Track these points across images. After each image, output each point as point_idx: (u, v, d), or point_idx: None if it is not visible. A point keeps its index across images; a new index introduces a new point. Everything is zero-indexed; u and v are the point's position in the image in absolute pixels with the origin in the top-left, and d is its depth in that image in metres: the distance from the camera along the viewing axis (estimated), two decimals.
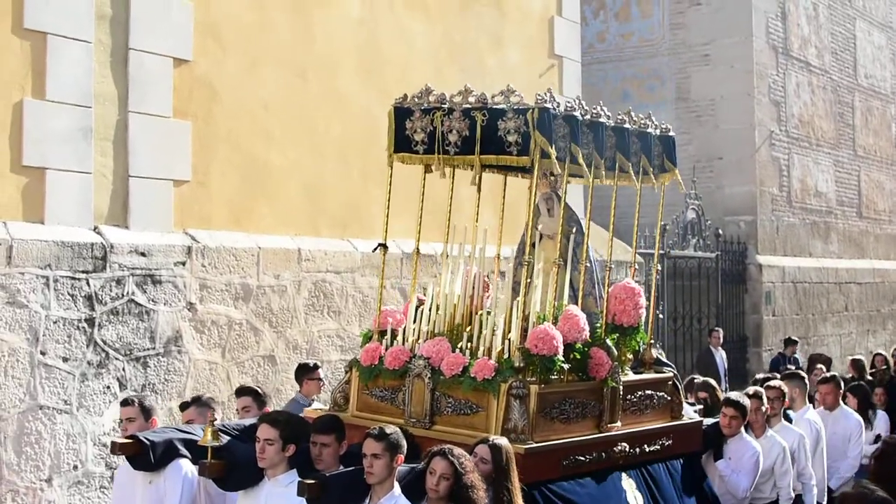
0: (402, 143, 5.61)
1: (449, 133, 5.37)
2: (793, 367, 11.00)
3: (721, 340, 13.41)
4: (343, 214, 9.32)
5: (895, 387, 10.15)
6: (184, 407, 6.09)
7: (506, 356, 5.09)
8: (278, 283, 8.54)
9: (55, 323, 6.94)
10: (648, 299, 6.10)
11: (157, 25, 7.87)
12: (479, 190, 5.76)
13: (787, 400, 7.13)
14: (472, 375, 5.06)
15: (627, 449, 5.44)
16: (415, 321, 5.54)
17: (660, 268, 8.99)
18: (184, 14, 8.09)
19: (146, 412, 5.38)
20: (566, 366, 5.15)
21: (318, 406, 6.55)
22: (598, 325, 5.62)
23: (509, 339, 5.13)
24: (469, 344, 5.25)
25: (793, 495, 6.61)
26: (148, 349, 7.52)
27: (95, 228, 7.39)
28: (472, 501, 4.32)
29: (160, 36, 7.88)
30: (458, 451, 4.43)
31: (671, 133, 6.23)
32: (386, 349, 5.50)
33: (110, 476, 6.90)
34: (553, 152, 5.10)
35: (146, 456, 4.98)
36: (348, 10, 9.51)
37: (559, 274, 5.47)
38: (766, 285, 15.91)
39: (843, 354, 16.74)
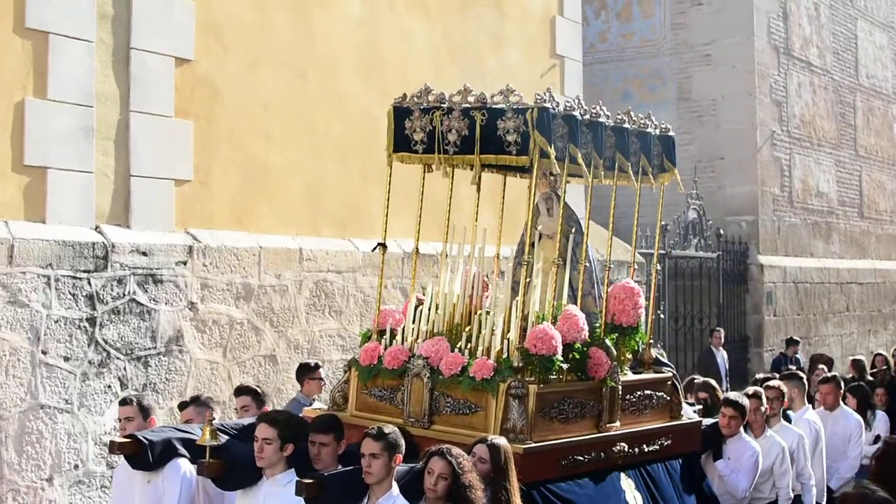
0: (401, 143, 5.61)
1: (448, 133, 5.37)
2: (794, 368, 10.99)
3: (722, 340, 13.39)
4: (343, 214, 9.33)
5: None
6: (182, 406, 6.08)
7: (505, 356, 5.09)
8: (279, 283, 8.55)
9: (56, 322, 6.95)
10: (648, 299, 6.10)
11: (158, 25, 7.88)
12: (478, 190, 5.77)
13: (785, 400, 7.12)
14: (471, 375, 5.06)
15: (626, 449, 5.44)
16: (414, 321, 5.54)
17: (659, 267, 8.98)
18: (185, 14, 8.10)
19: (144, 411, 5.38)
20: (565, 366, 5.15)
21: (319, 406, 6.56)
22: (598, 324, 5.61)
23: (508, 339, 5.13)
24: (468, 344, 5.25)
25: (792, 495, 6.61)
26: (149, 349, 7.53)
27: (97, 228, 7.40)
28: (470, 501, 4.32)
29: (162, 35, 7.89)
30: (456, 450, 4.43)
31: (671, 133, 6.22)
32: (385, 349, 5.50)
33: (111, 476, 6.91)
34: (552, 152, 5.10)
35: (145, 455, 4.99)
36: (348, 10, 9.51)
37: (558, 274, 5.47)
38: (767, 285, 15.90)
39: (844, 355, 16.73)
